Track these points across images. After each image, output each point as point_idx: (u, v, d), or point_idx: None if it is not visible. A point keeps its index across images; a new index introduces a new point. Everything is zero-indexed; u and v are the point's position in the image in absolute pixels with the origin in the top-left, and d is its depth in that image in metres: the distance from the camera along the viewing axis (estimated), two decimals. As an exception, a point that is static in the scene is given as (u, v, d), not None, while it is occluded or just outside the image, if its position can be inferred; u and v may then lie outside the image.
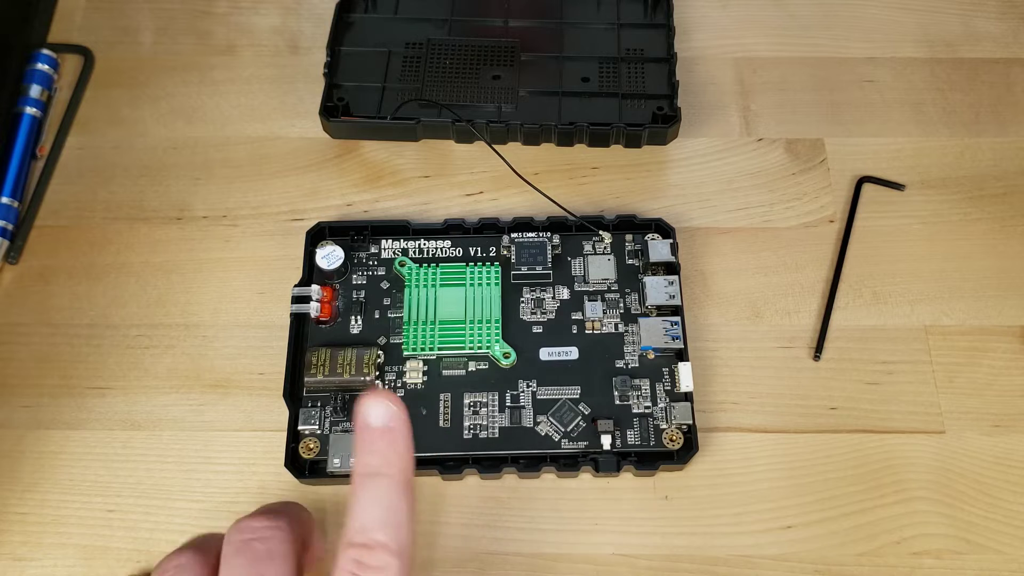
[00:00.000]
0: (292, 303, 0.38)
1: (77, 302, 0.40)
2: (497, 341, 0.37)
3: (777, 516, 0.36)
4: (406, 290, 0.39)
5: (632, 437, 0.36)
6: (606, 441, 0.36)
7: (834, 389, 0.38)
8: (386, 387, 0.37)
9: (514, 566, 0.35)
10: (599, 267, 0.39)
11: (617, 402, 0.37)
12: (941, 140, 0.44)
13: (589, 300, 0.39)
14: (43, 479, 0.37)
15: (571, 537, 0.35)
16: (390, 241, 0.40)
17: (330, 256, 0.39)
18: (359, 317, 0.39)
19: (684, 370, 0.36)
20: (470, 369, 0.37)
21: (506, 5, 0.47)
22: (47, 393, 0.38)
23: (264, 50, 0.47)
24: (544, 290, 0.39)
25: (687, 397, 0.37)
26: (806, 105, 0.45)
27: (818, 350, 0.39)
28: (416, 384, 0.37)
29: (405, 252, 0.40)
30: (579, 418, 0.36)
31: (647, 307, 0.39)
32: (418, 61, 0.45)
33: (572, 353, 0.38)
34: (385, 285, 0.39)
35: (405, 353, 0.37)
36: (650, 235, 0.40)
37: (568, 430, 0.36)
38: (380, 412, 0.25)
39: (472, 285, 0.39)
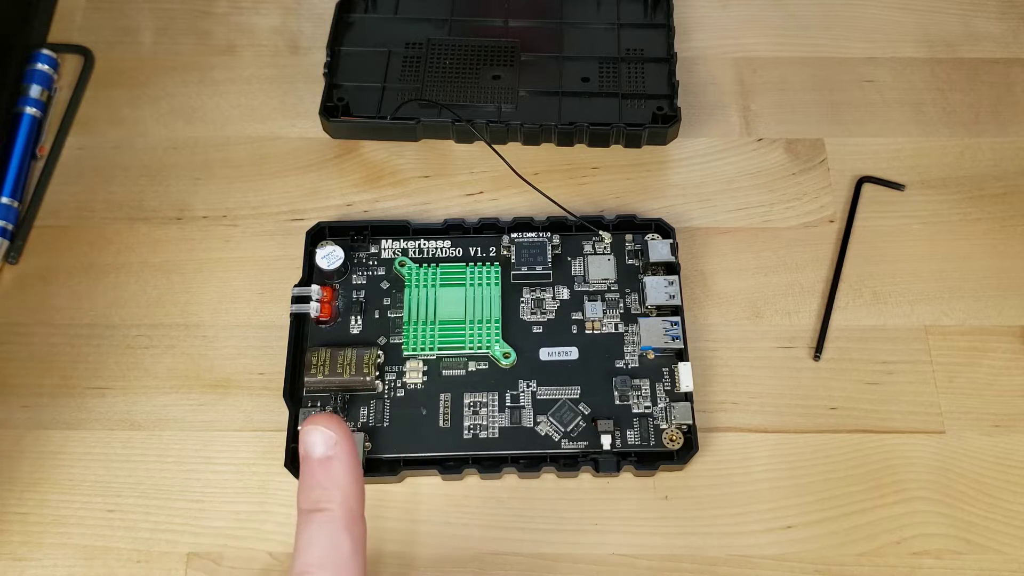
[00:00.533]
0: (292, 303, 0.38)
1: (77, 302, 0.40)
2: (497, 341, 0.37)
3: (777, 516, 0.36)
4: (406, 290, 0.39)
5: (632, 437, 0.36)
6: (606, 441, 0.36)
7: (834, 389, 0.38)
8: (386, 387, 0.37)
9: (514, 566, 0.35)
10: (599, 267, 0.39)
11: (617, 402, 0.37)
12: (941, 140, 0.44)
13: (589, 300, 0.39)
14: (43, 479, 0.37)
15: (571, 537, 0.35)
16: (390, 241, 0.40)
17: (330, 256, 0.39)
18: (359, 317, 0.39)
19: (684, 370, 0.36)
20: (470, 369, 0.37)
21: (506, 5, 0.47)
22: (47, 393, 0.38)
23: (264, 50, 0.47)
24: (544, 290, 0.39)
25: (687, 397, 0.37)
26: (806, 105, 0.45)
27: (818, 350, 0.39)
28: (416, 384, 0.37)
29: (405, 252, 0.40)
30: (579, 418, 0.36)
31: (647, 307, 0.39)
32: (418, 61, 0.45)
33: (572, 353, 0.38)
34: (385, 285, 0.39)
35: (405, 353, 0.37)
36: (650, 235, 0.40)
37: (568, 430, 0.36)
38: (318, 440, 0.24)
39: (472, 285, 0.39)
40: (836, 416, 0.38)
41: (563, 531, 0.35)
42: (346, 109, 0.44)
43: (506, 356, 0.37)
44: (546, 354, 0.38)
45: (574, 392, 0.37)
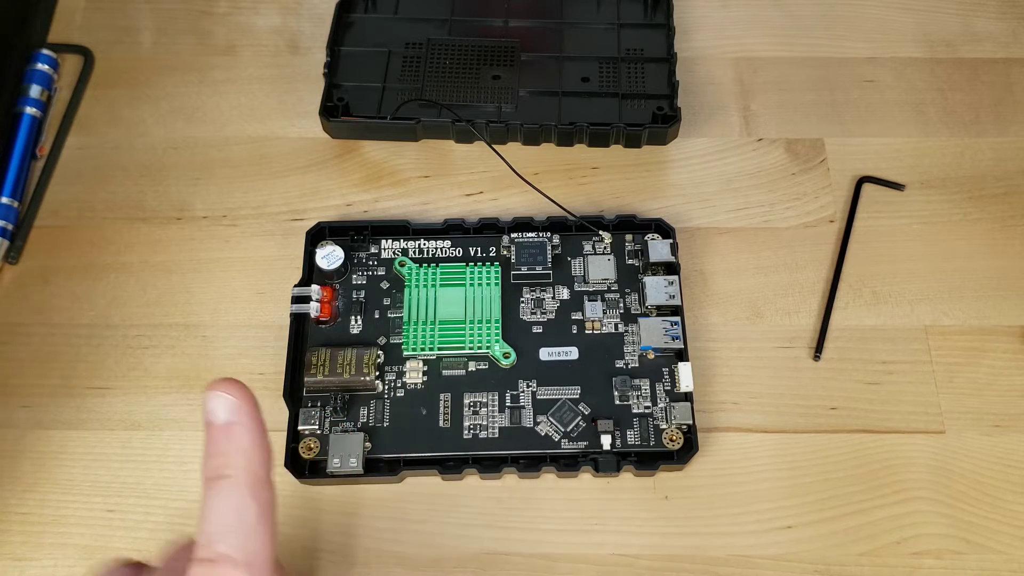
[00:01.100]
0: (292, 303, 0.38)
1: (77, 302, 0.40)
2: (497, 341, 0.37)
3: (777, 516, 0.36)
4: (406, 290, 0.39)
5: (632, 437, 0.36)
6: (606, 441, 0.36)
7: (834, 389, 0.38)
8: (386, 387, 0.37)
9: (514, 566, 0.35)
10: (599, 267, 0.39)
11: (617, 402, 0.37)
12: (941, 140, 0.44)
13: (589, 300, 0.39)
14: (43, 479, 0.37)
15: (571, 537, 0.35)
16: (390, 241, 0.40)
17: (330, 256, 0.39)
18: (359, 317, 0.39)
19: (684, 370, 0.36)
20: (470, 369, 0.37)
21: (506, 5, 0.47)
22: (47, 393, 0.38)
23: (264, 50, 0.47)
24: (544, 290, 0.39)
25: (687, 397, 0.37)
26: (806, 105, 0.45)
27: (818, 350, 0.39)
28: (416, 384, 0.37)
29: (405, 252, 0.40)
30: (579, 418, 0.36)
31: (647, 307, 0.39)
32: (418, 61, 0.45)
33: (572, 353, 0.38)
34: (385, 285, 0.39)
35: (405, 353, 0.37)
36: (650, 235, 0.40)
37: (568, 430, 0.36)
38: (219, 406, 0.23)
39: (472, 285, 0.39)
40: (836, 416, 0.38)
41: (563, 531, 0.35)
42: (346, 109, 0.44)
43: (506, 356, 0.37)
44: (546, 354, 0.38)
45: (574, 392, 0.37)
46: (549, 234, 0.40)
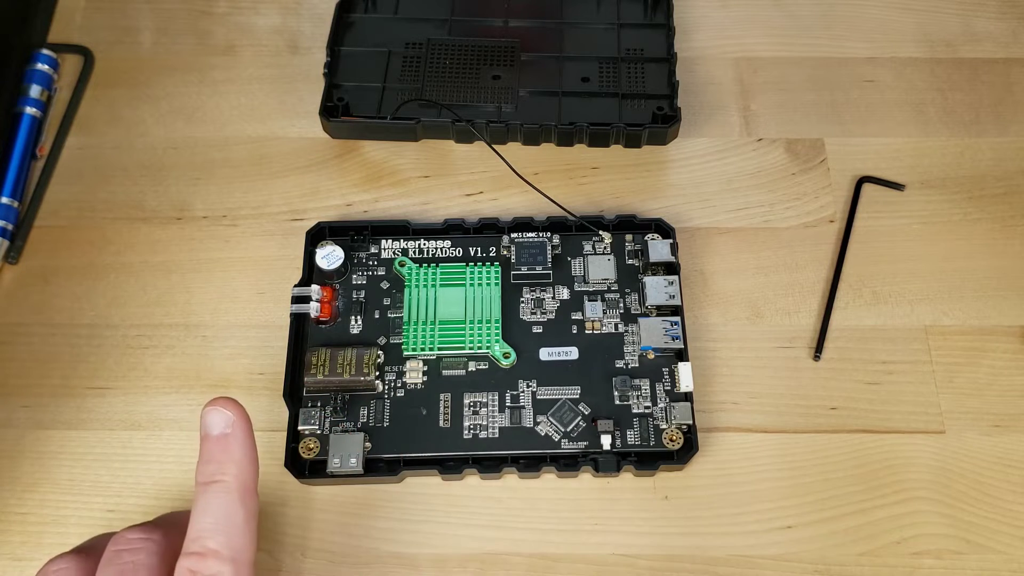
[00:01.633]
0: (292, 303, 0.38)
1: (77, 302, 0.40)
2: (497, 341, 0.37)
3: (777, 516, 0.36)
4: (406, 290, 0.39)
5: (632, 437, 0.36)
6: (606, 441, 0.36)
7: (834, 389, 0.38)
8: (386, 387, 0.37)
9: (514, 566, 0.35)
10: (599, 267, 0.39)
11: (617, 402, 0.37)
12: (941, 140, 0.44)
13: (589, 300, 0.39)
14: (43, 479, 0.37)
15: (571, 537, 0.35)
16: (390, 241, 0.40)
17: (330, 256, 0.39)
18: (359, 317, 0.39)
19: (684, 370, 0.36)
20: (470, 369, 0.37)
21: (506, 5, 0.47)
22: (47, 393, 0.38)
23: (264, 50, 0.47)
24: (544, 290, 0.39)
25: (687, 397, 0.37)
26: (806, 105, 0.45)
27: (818, 350, 0.39)
28: (416, 384, 0.37)
29: (405, 252, 0.40)
30: (579, 418, 0.36)
31: (647, 307, 0.39)
32: (418, 61, 0.45)
33: (572, 353, 0.38)
34: (385, 285, 0.39)
35: (405, 353, 0.37)
36: (650, 235, 0.40)
37: (568, 430, 0.36)
38: (217, 420, 0.26)
39: (472, 285, 0.39)
40: (836, 416, 0.38)
41: (563, 531, 0.35)
42: (346, 109, 0.44)
43: (506, 356, 0.37)
44: (546, 354, 0.38)
45: (574, 392, 0.37)
46: (549, 234, 0.40)
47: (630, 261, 0.40)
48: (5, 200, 0.42)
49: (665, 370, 0.37)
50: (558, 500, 0.36)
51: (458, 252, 0.40)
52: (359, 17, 0.47)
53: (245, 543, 0.25)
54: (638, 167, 0.43)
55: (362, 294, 0.39)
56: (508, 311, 0.39)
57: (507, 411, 0.37)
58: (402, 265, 0.39)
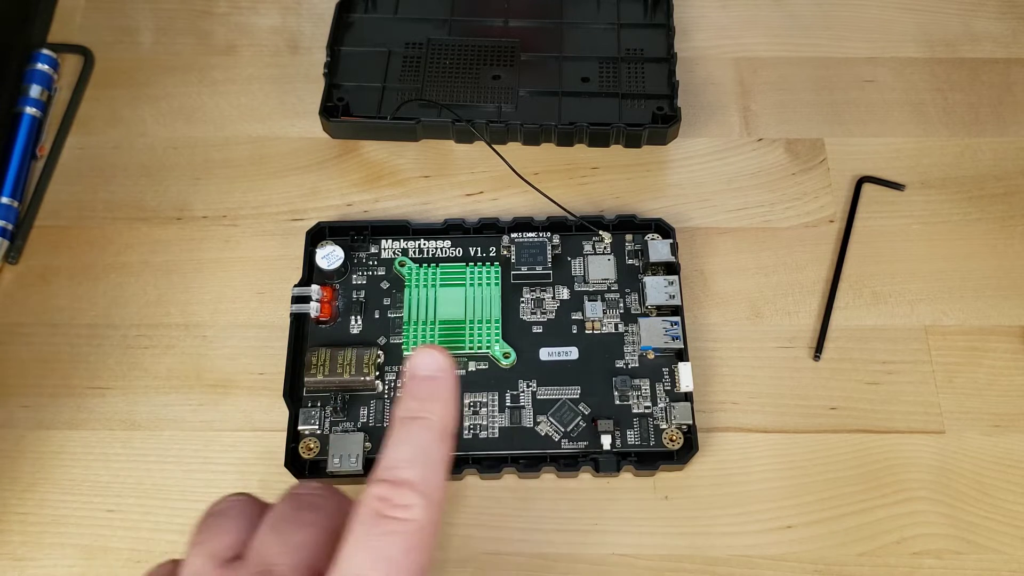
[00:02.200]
0: (292, 303, 0.38)
1: (77, 302, 0.40)
2: (497, 341, 0.37)
3: (777, 516, 0.36)
4: (406, 290, 0.39)
5: (632, 437, 0.36)
6: (606, 441, 0.36)
7: (834, 389, 0.38)
8: (385, 387, 0.37)
9: (514, 566, 0.35)
10: (599, 267, 0.39)
11: (617, 402, 0.37)
12: (941, 140, 0.44)
13: (589, 300, 0.39)
14: (43, 479, 0.37)
15: (571, 537, 0.35)
16: (390, 241, 0.40)
17: (330, 256, 0.39)
18: (359, 317, 0.39)
19: (684, 370, 0.36)
20: (470, 369, 0.37)
21: (506, 5, 0.47)
22: (47, 393, 0.38)
23: (264, 50, 0.47)
24: (544, 290, 0.39)
25: (687, 397, 0.37)
26: (806, 105, 0.45)
27: (818, 350, 0.39)
28: (416, 384, 0.37)
29: (405, 252, 0.40)
30: (579, 418, 0.36)
31: (647, 307, 0.39)
32: (418, 61, 0.45)
33: (572, 353, 0.38)
34: (385, 285, 0.39)
35: (405, 353, 0.37)
36: (650, 235, 0.40)
37: (568, 430, 0.36)
38: (427, 361, 0.25)
39: (472, 285, 0.39)
40: (836, 416, 0.38)
41: (563, 531, 0.35)
42: (346, 109, 0.44)
43: (506, 356, 0.37)
44: (546, 354, 0.38)
45: (574, 392, 0.37)
46: (549, 234, 0.40)
47: (630, 261, 0.40)
48: (5, 200, 0.42)
49: (665, 370, 0.37)
50: (558, 500, 0.36)
51: (458, 252, 0.40)
52: (359, 17, 0.47)
53: (439, 482, 0.24)
54: (638, 167, 0.43)
55: (362, 294, 0.39)
56: (508, 311, 0.39)
57: (507, 411, 0.37)
58: (402, 265, 0.39)
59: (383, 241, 0.40)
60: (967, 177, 0.43)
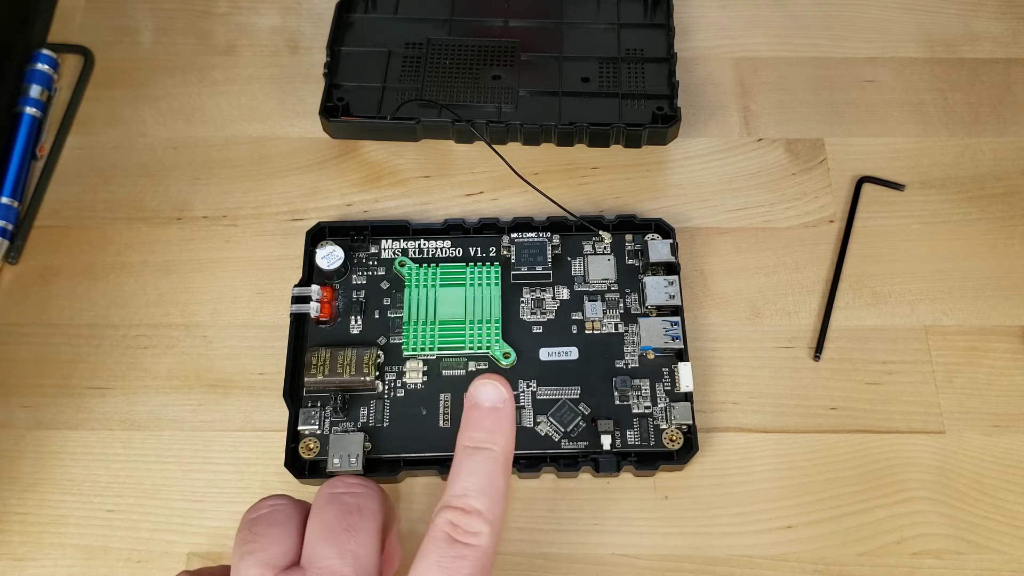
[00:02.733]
0: (292, 303, 0.38)
1: (77, 302, 0.40)
2: (497, 341, 0.37)
3: (777, 516, 0.36)
4: (406, 290, 0.39)
5: (632, 437, 0.36)
6: (606, 441, 0.36)
7: (834, 389, 0.38)
8: (386, 387, 0.37)
9: (514, 566, 0.35)
10: (599, 267, 0.39)
11: (617, 402, 0.37)
12: (941, 140, 0.44)
13: (589, 300, 0.39)
14: (43, 479, 0.37)
15: (571, 537, 0.35)
16: (390, 241, 0.40)
17: (330, 256, 0.39)
18: (359, 317, 0.39)
19: (684, 370, 0.36)
20: (470, 369, 0.37)
21: (506, 5, 0.47)
22: (47, 393, 0.38)
23: (264, 50, 0.47)
24: (544, 290, 0.39)
25: (687, 397, 0.37)
26: (806, 105, 0.45)
27: (818, 350, 0.39)
28: (416, 384, 0.37)
29: (405, 252, 0.40)
30: (579, 418, 0.36)
31: (647, 307, 0.39)
32: (418, 61, 0.45)
33: (572, 353, 0.38)
34: (385, 285, 0.39)
35: (405, 353, 0.37)
36: (650, 235, 0.40)
37: (568, 430, 0.36)
38: (490, 393, 0.27)
39: (472, 285, 0.39)
40: (836, 416, 0.38)
41: (563, 531, 0.35)
42: (346, 109, 0.44)
43: (506, 356, 0.37)
44: (546, 354, 0.38)
45: (574, 392, 0.37)
46: (549, 234, 0.40)
47: (630, 261, 0.40)
48: (5, 200, 0.42)
49: (665, 370, 0.37)
50: (558, 500, 0.36)
51: (458, 252, 0.40)
52: (359, 17, 0.47)
53: (502, 512, 0.25)
54: (638, 167, 0.43)
55: (362, 294, 0.39)
56: (508, 311, 0.39)
57: (507, 411, 0.37)
58: (402, 265, 0.39)
59: (383, 241, 0.40)
60: (967, 177, 0.43)
